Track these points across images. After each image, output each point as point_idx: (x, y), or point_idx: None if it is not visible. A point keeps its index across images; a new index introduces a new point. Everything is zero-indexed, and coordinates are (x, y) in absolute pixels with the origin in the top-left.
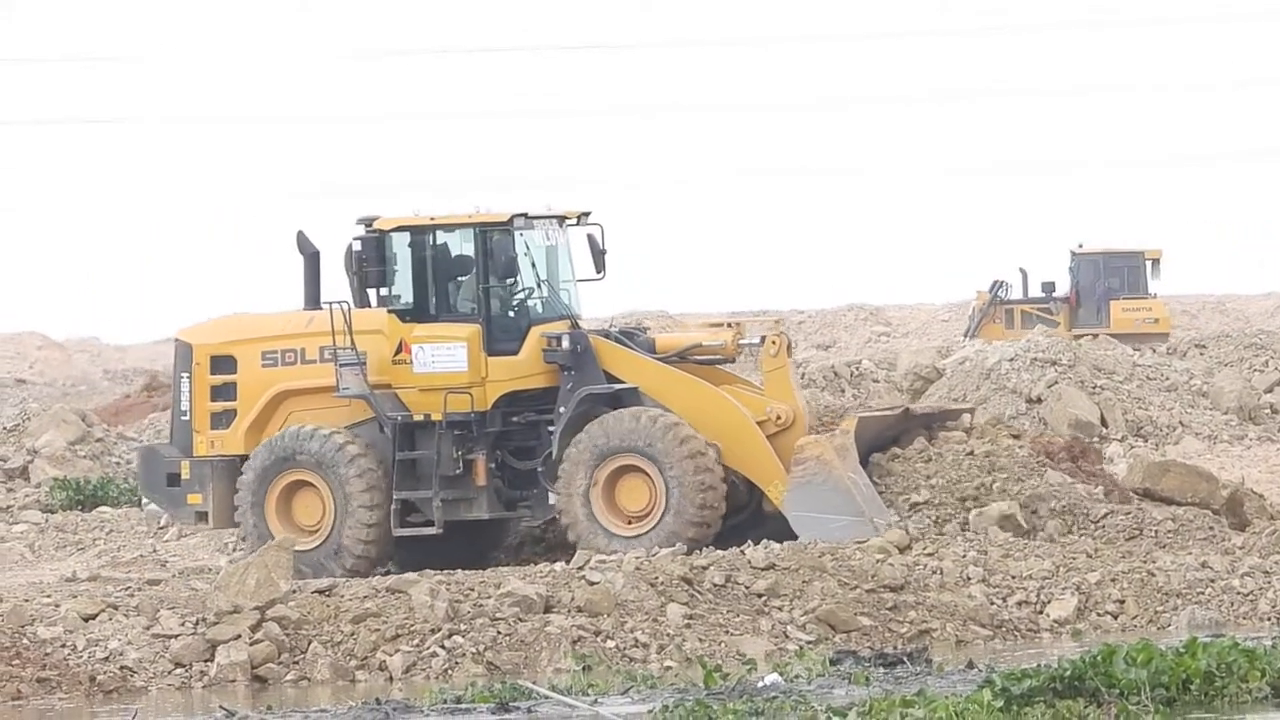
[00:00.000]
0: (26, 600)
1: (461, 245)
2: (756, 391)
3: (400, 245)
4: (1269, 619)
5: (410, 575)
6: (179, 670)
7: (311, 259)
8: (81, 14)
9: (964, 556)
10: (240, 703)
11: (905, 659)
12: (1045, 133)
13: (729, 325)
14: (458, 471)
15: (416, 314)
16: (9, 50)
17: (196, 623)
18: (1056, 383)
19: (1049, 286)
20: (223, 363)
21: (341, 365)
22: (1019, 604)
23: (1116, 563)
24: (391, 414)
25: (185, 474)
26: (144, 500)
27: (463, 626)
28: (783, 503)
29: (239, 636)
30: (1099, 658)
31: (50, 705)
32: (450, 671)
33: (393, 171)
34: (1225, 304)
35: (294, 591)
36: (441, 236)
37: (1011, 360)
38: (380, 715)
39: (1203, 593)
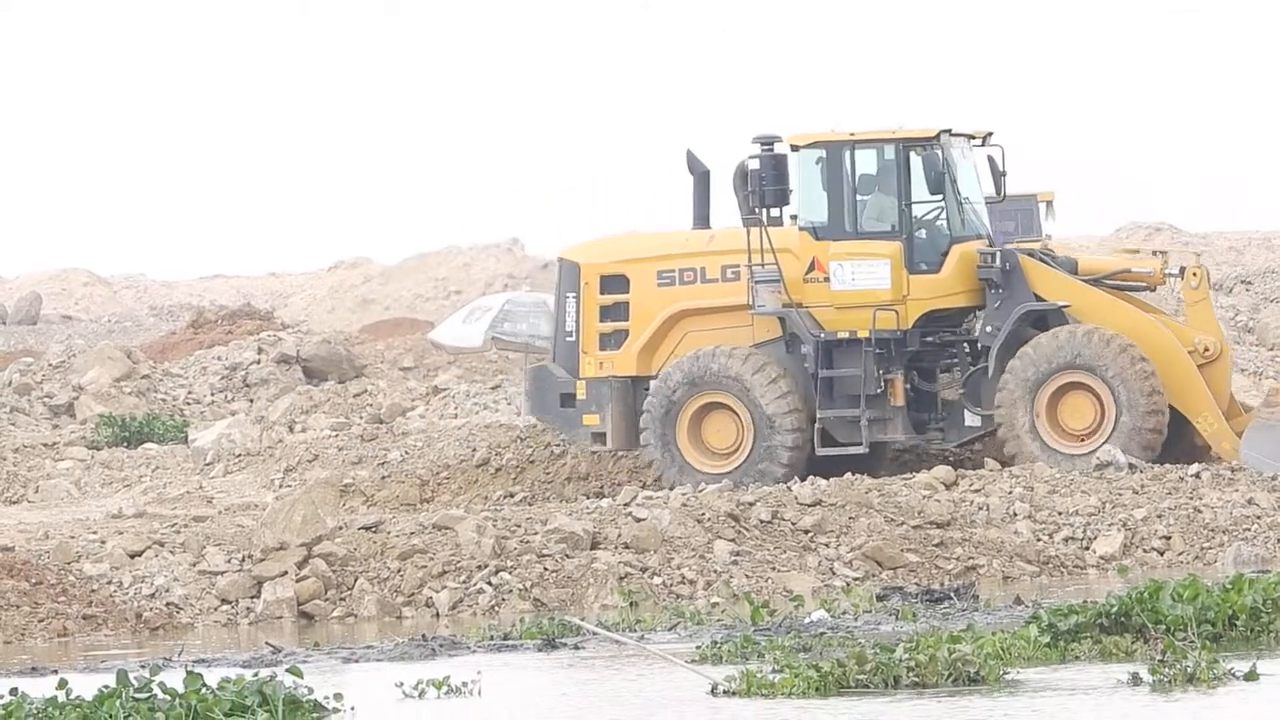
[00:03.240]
0: (72, 537)
1: (879, 161)
2: (1177, 322)
3: (808, 163)
4: None
5: (456, 512)
6: (225, 607)
7: (702, 178)
8: None
9: (1010, 493)
10: (286, 639)
11: (952, 595)
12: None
13: (1155, 253)
14: (879, 391)
15: (830, 232)
16: None
17: (243, 559)
18: None
19: None
20: (614, 282)
21: (758, 282)
22: (1065, 540)
23: (1163, 499)
24: (813, 332)
25: (581, 394)
26: (190, 438)
27: (509, 563)
28: (1242, 438)
29: (285, 573)
30: (1145, 594)
31: (96, 642)
32: (497, 608)
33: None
34: (1272, 240)
35: (340, 528)
36: (860, 153)
37: None
38: (427, 652)
39: (1249, 529)
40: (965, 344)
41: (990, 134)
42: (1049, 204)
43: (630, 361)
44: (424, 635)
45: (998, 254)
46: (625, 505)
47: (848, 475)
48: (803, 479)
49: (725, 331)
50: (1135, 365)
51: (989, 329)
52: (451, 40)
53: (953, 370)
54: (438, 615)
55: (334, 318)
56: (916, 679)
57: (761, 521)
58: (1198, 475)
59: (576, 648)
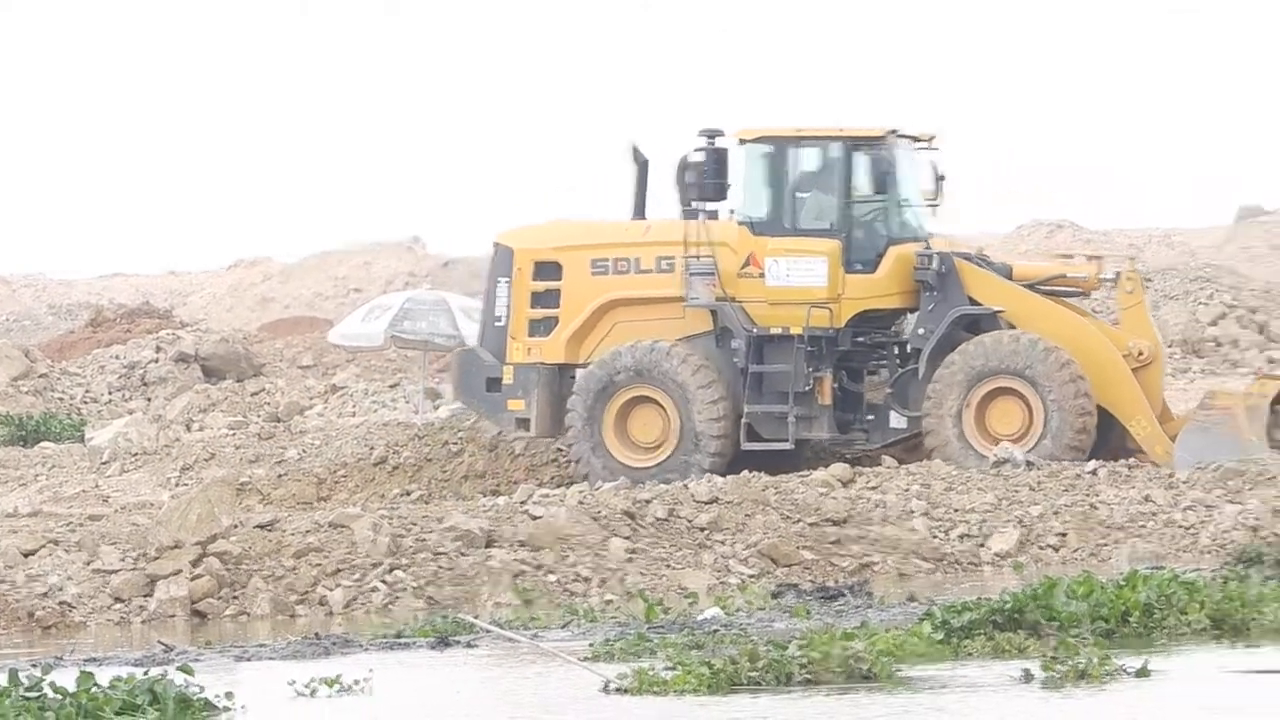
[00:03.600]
0: None
1: (823, 159)
2: (1110, 327)
3: (754, 156)
4: (1209, 552)
5: (353, 510)
6: (118, 605)
7: (642, 169)
8: None
9: (907, 490)
10: (179, 638)
11: (846, 592)
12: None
13: (1090, 259)
14: (807, 388)
15: (769, 227)
16: None
17: (137, 558)
18: None
19: None
20: (547, 269)
21: (692, 274)
22: (961, 537)
23: (1059, 496)
24: (745, 327)
25: (508, 379)
26: (87, 436)
27: (404, 561)
28: (1176, 441)
29: (179, 571)
30: (1039, 590)
31: None
32: (391, 606)
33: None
34: (1171, 237)
35: (235, 526)
36: (805, 149)
37: None
38: (320, 650)
39: (1144, 526)
40: (895, 345)
41: (934, 137)
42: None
43: (559, 349)
44: (317, 633)
45: (935, 257)
46: (521, 503)
47: (744, 473)
48: (727, 474)
49: (656, 323)
50: (1074, 385)
51: (921, 331)
52: (351, 35)
53: (880, 372)
54: (331, 613)
55: (233, 316)
56: (809, 676)
57: (657, 519)
58: (1094, 472)
59: (470, 646)
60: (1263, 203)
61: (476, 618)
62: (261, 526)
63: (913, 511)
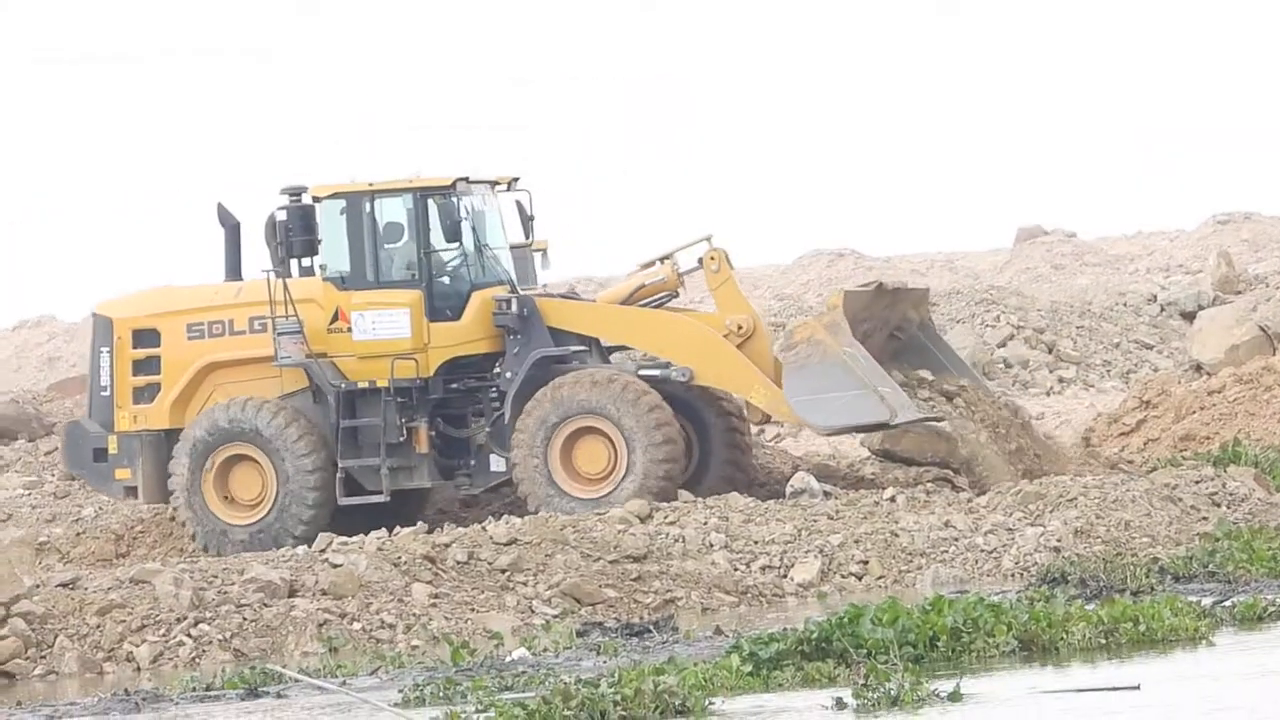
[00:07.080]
0: None
1: (400, 210)
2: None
3: (333, 213)
4: (1013, 575)
5: (152, 565)
6: None
7: (233, 230)
8: None
9: (705, 523)
10: None
11: (652, 628)
12: None
13: (661, 261)
14: (401, 439)
15: (353, 281)
16: None
17: None
18: None
19: None
20: (145, 336)
21: (280, 334)
22: (763, 569)
23: (859, 524)
24: (334, 382)
25: (113, 449)
26: None
27: (208, 614)
28: (784, 390)
29: None
30: (845, 618)
31: None
32: (198, 659)
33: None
34: (954, 261)
35: (38, 586)
36: (380, 202)
37: None
38: (130, 706)
39: (946, 551)
40: (494, 389)
41: (516, 179)
42: (544, 253)
43: (163, 415)
44: (126, 689)
45: (513, 300)
46: (321, 552)
47: (542, 513)
48: (325, 530)
49: (255, 383)
50: (641, 402)
51: (508, 374)
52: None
53: (480, 417)
54: (139, 669)
55: (21, 377)
56: (624, 713)
57: (458, 562)
58: (893, 499)
59: (280, 695)
60: (1041, 223)
61: (285, 667)
62: (64, 585)
63: (713, 545)
